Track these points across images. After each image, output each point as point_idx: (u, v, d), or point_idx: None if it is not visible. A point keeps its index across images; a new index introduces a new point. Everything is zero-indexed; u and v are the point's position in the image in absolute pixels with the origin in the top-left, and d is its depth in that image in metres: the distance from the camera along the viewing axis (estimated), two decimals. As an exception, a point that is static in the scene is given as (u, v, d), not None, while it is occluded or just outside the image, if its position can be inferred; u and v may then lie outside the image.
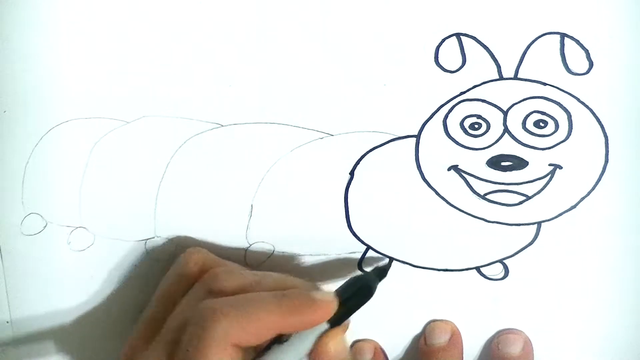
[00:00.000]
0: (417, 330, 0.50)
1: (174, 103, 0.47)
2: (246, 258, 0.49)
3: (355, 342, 0.50)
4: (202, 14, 0.46)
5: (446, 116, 0.46)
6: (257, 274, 0.45)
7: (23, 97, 0.48)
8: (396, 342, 0.51)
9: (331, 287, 0.49)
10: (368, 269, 0.48)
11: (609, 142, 0.45)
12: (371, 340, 0.50)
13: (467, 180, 0.47)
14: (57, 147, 0.48)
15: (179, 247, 0.50)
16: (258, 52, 0.46)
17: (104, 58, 0.47)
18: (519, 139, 0.45)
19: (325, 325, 0.43)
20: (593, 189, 0.46)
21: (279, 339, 0.43)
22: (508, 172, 0.46)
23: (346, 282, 0.45)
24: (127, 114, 0.48)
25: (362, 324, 0.50)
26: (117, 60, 0.47)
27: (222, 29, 0.46)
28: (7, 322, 0.52)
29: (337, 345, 0.43)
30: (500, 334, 0.49)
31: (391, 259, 0.48)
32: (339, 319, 0.44)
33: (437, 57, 0.45)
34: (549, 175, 0.46)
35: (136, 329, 0.46)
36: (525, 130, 0.45)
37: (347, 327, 0.44)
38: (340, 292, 0.45)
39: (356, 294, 0.45)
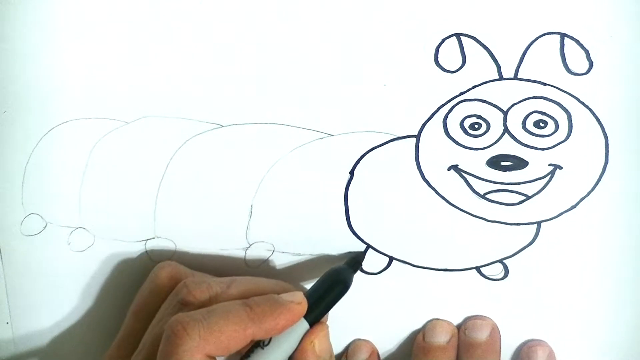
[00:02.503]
0: (417, 330, 0.50)
1: (174, 103, 0.47)
2: (246, 258, 0.49)
3: (354, 341, 0.50)
4: (202, 14, 0.46)
5: (446, 116, 0.46)
6: (225, 282, 0.45)
7: (23, 97, 0.48)
8: (395, 342, 0.51)
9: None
10: (341, 262, 0.48)
11: (609, 142, 0.45)
12: (369, 341, 0.50)
13: (467, 180, 0.47)
14: (57, 148, 0.48)
15: (179, 247, 0.50)
16: (258, 52, 0.46)
17: (104, 58, 0.47)
18: (519, 139, 0.45)
19: (304, 325, 0.44)
20: (593, 189, 0.46)
21: (260, 343, 0.43)
22: (508, 172, 0.46)
23: (320, 277, 0.45)
24: (127, 114, 0.48)
25: (361, 323, 0.50)
26: (117, 60, 0.47)
27: (222, 29, 0.46)
28: (7, 323, 0.52)
29: (321, 343, 0.44)
30: (468, 320, 0.49)
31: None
32: (317, 316, 0.44)
33: (437, 57, 0.45)
34: (549, 175, 0.46)
35: (113, 346, 0.47)
36: (525, 130, 0.45)
37: (327, 326, 0.45)
38: (314, 289, 0.45)
39: (331, 288, 0.45)
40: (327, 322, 0.45)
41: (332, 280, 0.45)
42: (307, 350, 0.43)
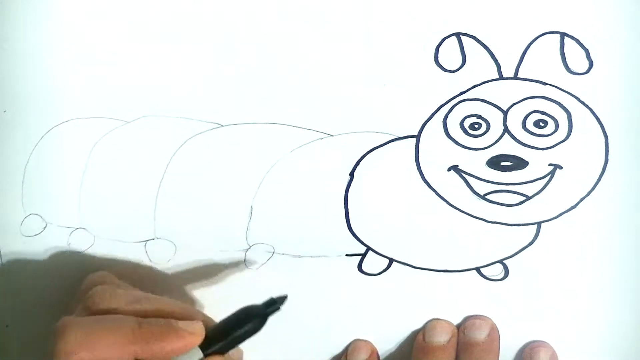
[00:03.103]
0: (417, 330, 0.50)
1: (174, 103, 0.47)
2: (246, 259, 0.49)
3: (354, 341, 0.50)
4: (202, 14, 0.46)
5: (446, 116, 0.46)
6: (137, 295, 0.44)
7: (23, 97, 0.48)
8: (395, 342, 0.50)
9: (331, 288, 0.49)
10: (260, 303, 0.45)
11: (609, 142, 0.45)
12: (369, 342, 0.50)
13: (467, 181, 0.47)
14: (57, 147, 0.48)
15: (178, 248, 0.50)
16: (258, 52, 0.46)
17: (103, 58, 0.47)
18: (519, 138, 0.45)
19: (198, 354, 0.42)
20: (593, 189, 0.46)
21: None
22: (508, 172, 0.46)
23: (235, 311, 0.44)
24: (127, 114, 0.48)
25: (361, 323, 0.50)
26: (117, 60, 0.47)
27: (222, 29, 0.46)
28: (7, 326, 0.52)
29: None
30: (467, 320, 0.49)
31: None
32: (222, 349, 0.43)
33: (437, 57, 0.45)
34: (549, 175, 0.46)
35: None
36: (525, 130, 0.45)
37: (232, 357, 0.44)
38: (223, 322, 0.43)
39: (240, 324, 0.43)
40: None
41: (244, 316, 0.43)
42: None
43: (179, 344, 0.41)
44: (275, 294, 0.43)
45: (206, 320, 0.44)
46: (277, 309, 0.44)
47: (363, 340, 0.50)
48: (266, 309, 0.44)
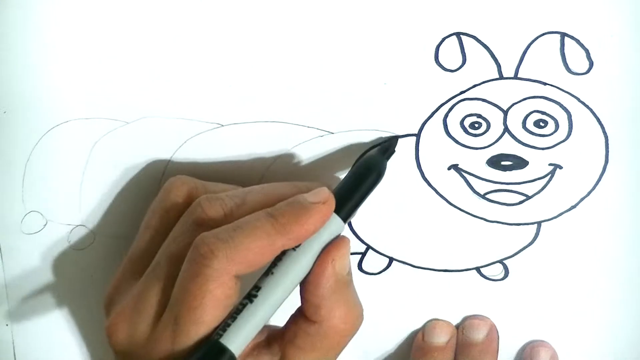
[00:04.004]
0: (416, 330, 0.50)
1: (174, 103, 0.47)
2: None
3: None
4: (202, 14, 0.46)
5: (446, 115, 0.46)
6: (239, 195, 0.43)
7: (23, 97, 0.48)
8: (395, 342, 0.51)
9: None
10: (374, 150, 0.45)
11: (609, 142, 0.45)
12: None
13: (467, 180, 0.47)
14: (57, 146, 0.48)
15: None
16: (258, 51, 0.46)
17: (104, 58, 0.47)
18: (519, 138, 0.45)
19: (338, 223, 0.41)
20: (593, 189, 0.46)
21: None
22: (508, 172, 0.46)
23: (351, 168, 0.43)
24: (127, 114, 0.48)
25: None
26: (117, 61, 0.47)
27: (222, 28, 0.46)
28: (7, 325, 0.52)
29: (341, 260, 0.41)
30: (466, 319, 0.49)
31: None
32: (350, 210, 0.42)
33: (437, 56, 0.45)
34: (549, 175, 0.46)
35: (120, 267, 0.45)
36: (525, 130, 0.45)
37: (349, 241, 0.42)
38: (345, 181, 0.42)
39: (363, 178, 0.42)
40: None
41: (363, 169, 0.43)
42: (326, 268, 0.40)
43: (316, 219, 0.40)
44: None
45: (322, 185, 0.42)
46: (394, 152, 0.44)
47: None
48: (384, 155, 0.44)
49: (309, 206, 0.40)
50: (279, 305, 0.40)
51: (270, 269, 0.41)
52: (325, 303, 0.40)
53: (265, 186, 0.44)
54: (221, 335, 0.39)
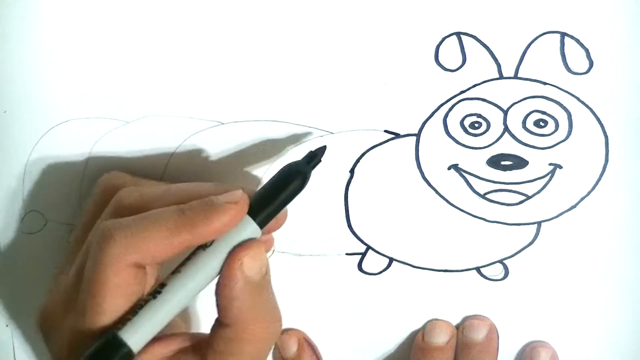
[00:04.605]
0: (416, 330, 0.50)
1: (174, 102, 0.47)
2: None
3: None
4: (202, 13, 0.46)
5: (446, 115, 0.46)
6: (161, 188, 0.43)
7: (23, 97, 0.48)
8: (395, 342, 0.50)
9: (331, 287, 0.49)
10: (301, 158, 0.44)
11: (609, 141, 0.45)
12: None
13: (467, 180, 0.47)
14: (57, 146, 0.48)
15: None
16: (258, 50, 0.46)
17: (103, 58, 0.47)
18: (519, 138, 0.46)
19: (252, 227, 0.40)
20: (593, 188, 0.46)
21: (203, 245, 0.40)
22: (508, 172, 0.46)
23: (276, 173, 0.42)
24: (127, 113, 0.48)
25: (361, 323, 0.50)
26: (117, 60, 0.47)
27: (222, 27, 0.46)
28: (7, 325, 0.52)
29: (251, 261, 0.40)
30: (465, 320, 0.49)
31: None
32: (268, 216, 0.41)
33: (438, 56, 0.45)
34: (549, 175, 0.46)
35: (63, 261, 0.46)
36: (525, 130, 0.45)
37: (271, 243, 0.42)
38: (266, 186, 0.42)
39: (285, 184, 0.41)
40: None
41: (286, 176, 0.42)
42: (233, 269, 0.39)
43: (226, 217, 0.39)
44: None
45: (246, 190, 0.42)
46: (319, 161, 0.43)
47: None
48: (309, 163, 0.43)
49: (219, 205, 0.39)
50: (184, 304, 0.40)
51: (178, 268, 0.40)
52: (234, 305, 0.40)
53: (190, 184, 0.43)
54: (120, 329, 0.39)
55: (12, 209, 0.50)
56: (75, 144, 0.49)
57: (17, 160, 0.49)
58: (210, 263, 0.40)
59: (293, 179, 0.41)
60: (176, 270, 0.40)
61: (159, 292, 0.40)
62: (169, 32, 0.46)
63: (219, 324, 0.41)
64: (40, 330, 0.43)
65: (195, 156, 0.48)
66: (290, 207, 0.42)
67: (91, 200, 0.46)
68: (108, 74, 0.47)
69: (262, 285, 0.41)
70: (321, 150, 0.43)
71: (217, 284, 0.40)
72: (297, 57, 0.46)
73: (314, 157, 0.43)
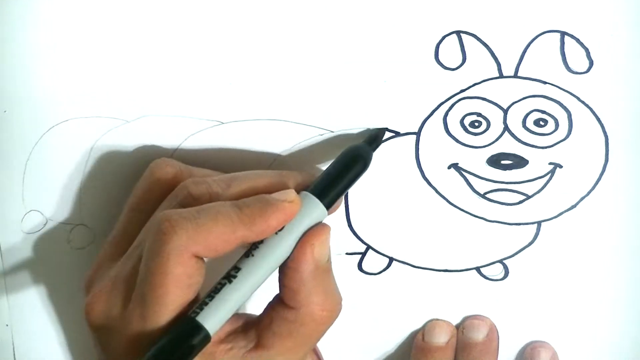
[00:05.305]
0: (416, 330, 0.50)
1: (174, 101, 0.47)
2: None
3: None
4: (202, 13, 0.46)
5: (446, 114, 0.46)
6: (225, 180, 0.43)
7: (23, 96, 0.48)
8: (395, 342, 0.50)
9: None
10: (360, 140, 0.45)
11: (609, 141, 0.45)
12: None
13: (467, 179, 0.47)
14: (57, 145, 0.48)
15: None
16: (258, 49, 0.46)
17: (103, 58, 0.47)
18: (519, 137, 0.46)
19: (320, 209, 0.42)
20: (593, 188, 0.46)
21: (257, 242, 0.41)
22: (508, 171, 0.46)
23: (338, 156, 0.43)
24: (127, 113, 0.48)
25: (361, 323, 0.50)
26: (117, 59, 0.47)
27: (222, 26, 0.46)
28: (7, 325, 0.52)
29: (321, 246, 0.41)
30: (466, 319, 0.49)
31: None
32: (332, 199, 0.42)
33: (438, 55, 0.45)
34: (549, 174, 0.46)
35: (107, 242, 0.45)
36: (525, 129, 0.45)
37: (329, 228, 0.42)
38: (328, 171, 0.43)
39: (348, 168, 0.43)
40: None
41: (349, 158, 0.43)
42: (305, 253, 0.41)
43: (281, 215, 0.40)
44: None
45: (308, 174, 0.44)
46: (380, 142, 0.44)
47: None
48: (370, 145, 0.44)
49: (274, 202, 0.40)
50: (257, 287, 0.41)
51: (250, 251, 0.41)
52: (304, 288, 0.41)
53: (251, 173, 0.44)
54: (197, 314, 0.39)
55: (12, 209, 0.50)
56: (75, 143, 0.49)
57: (17, 159, 0.49)
58: (283, 246, 0.41)
59: (356, 162, 0.43)
60: (249, 254, 0.41)
61: (234, 277, 0.40)
62: (169, 31, 0.46)
63: (280, 306, 0.42)
64: (91, 325, 0.43)
65: (195, 156, 0.48)
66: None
67: (142, 187, 0.45)
68: (108, 74, 0.47)
69: (329, 268, 0.42)
70: (381, 132, 0.45)
71: (285, 268, 0.41)
72: (296, 56, 0.46)
73: (375, 139, 0.44)
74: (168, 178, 0.45)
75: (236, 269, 0.40)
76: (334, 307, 0.42)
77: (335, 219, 0.48)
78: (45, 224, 0.50)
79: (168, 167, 0.45)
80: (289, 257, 0.41)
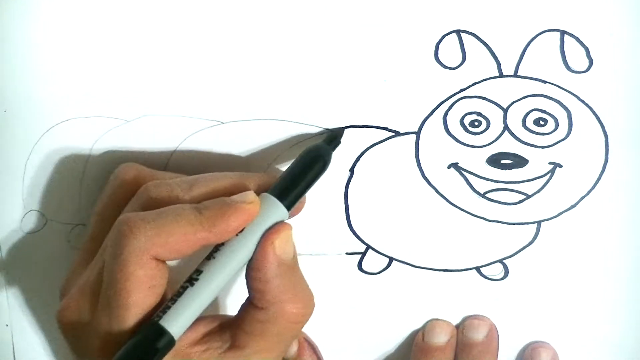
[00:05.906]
0: (416, 330, 0.50)
1: (174, 101, 0.47)
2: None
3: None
4: (202, 12, 0.46)
5: (446, 113, 0.46)
6: (187, 182, 0.43)
7: (23, 96, 0.48)
8: (395, 342, 0.50)
9: (331, 287, 0.49)
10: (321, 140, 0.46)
11: (609, 141, 0.45)
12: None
13: (467, 179, 0.47)
14: (57, 145, 0.48)
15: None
16: (258, 49, 0.46)
17: (104, 57, 0.47)
18: (519, 137, 0.46)
19: (281, 210, 0.42)
20: (593, 188, 0.46)
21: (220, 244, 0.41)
22: (508, 171, 0.46)
23: (297, 157, 0.44)
24: (127, 112, 0.48)
25: (361, 323, 0.50)
26: (117, 59, 0.47)
27: (222, 26, 0.46)
28: (7, 325, 0.52)
29: (282, 243, 0.41)
30: (465, 319, 0.49)
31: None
32: (292, 200, 0.43)
33: (437, 54, 0.45)
34: (549, 174, 0.46)
35: (78, 253, 0.46)
36: (525, 128, 0.45)
37: (290, 226, 0.42)
38: (288, 172, 0.43)
39: (308, 166, 0.43)
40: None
41: (308, 158, 0.44)
42: (266, 251, 0.41)
43: (241, 217, 0.40)
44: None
45: (269, 176, 0.44)
46: (339, 142, 0.44)
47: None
48: (329, 145, 0.44)
49: (233, 204, 0.41)
50: (220, 290, 0.41)
51: (212, 254, 0.41)
52: (269, 288, 0.41)
53: (213, 175, 0.44)
54: (160, 317, 0.39)
55: (12, 208, 0.50)
56: (75, 143, 0.49)
57: (17, 159, 0.49)
58: (244, 247, 0.41)
59: (316, 162, 0.43)
60: (210, 256, 0.41)
61: (196, 279, 0.40)
62: (169, 31, 0.46)
63: (251, 307, 0.42)
64: (64, 332, 0.43)
65: (195, 156, 0.48)
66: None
67: (107, 191, 0.46)
68: (108, 73, 0.47)
69: (294, 266, 0.42)
70: (340, 132, 0.45)
71: (250, 268, 0.41)
72: (296, 55, 0.46)
73: (334, 139, 0.45)
74: (129, 180, 0.45)
75: (198, 271, 0.41)
76: (306, 304, 0.42)
77: (335, 219, 0.48)
78: (45, 224, 0.50)
79: (130, 171, 0.45)
80: (252, 258, 0.41)
